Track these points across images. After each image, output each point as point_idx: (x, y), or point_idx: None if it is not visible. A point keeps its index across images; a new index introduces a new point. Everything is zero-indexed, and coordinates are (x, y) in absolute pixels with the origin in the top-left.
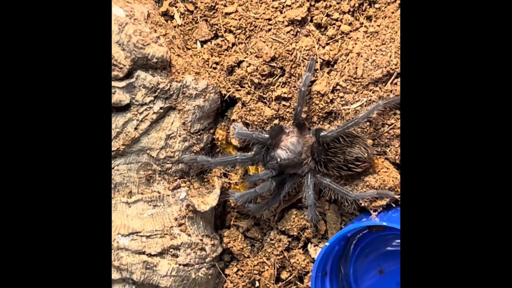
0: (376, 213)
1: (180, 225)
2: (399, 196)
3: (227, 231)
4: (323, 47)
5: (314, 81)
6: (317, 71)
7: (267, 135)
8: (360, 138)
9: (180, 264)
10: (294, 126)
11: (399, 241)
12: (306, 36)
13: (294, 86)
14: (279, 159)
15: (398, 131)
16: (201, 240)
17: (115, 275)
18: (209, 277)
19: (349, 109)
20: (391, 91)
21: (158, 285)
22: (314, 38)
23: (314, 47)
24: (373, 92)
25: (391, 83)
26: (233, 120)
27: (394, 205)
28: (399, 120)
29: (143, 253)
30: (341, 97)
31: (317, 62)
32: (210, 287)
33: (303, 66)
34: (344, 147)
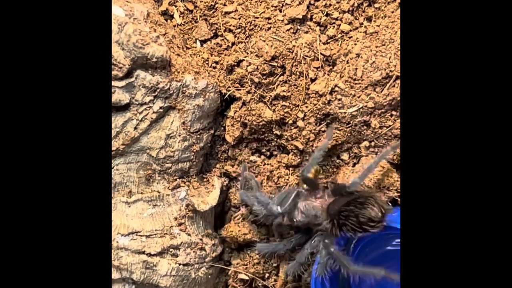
0: None
1: (180, 224)
2: (396, 195)
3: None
4: (324, 44)
5: (315, 79)
6: (318, 69)
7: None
8: (372, 198)
9: (180, 264)
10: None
11: (399, 240)
12: (306, 32)
13: (294, 85)
14: (296, 220)
15: (395, 132)
16: (201, 239)
17: (115, 274)
18: (209, 276)
19: (345, 113)
20: (388, 94)
21: (158, 285)
22: (315, 33)
23: (315, 41)
24: (370, 98)
25: (389, 86)
26: (232, 117)
27: (390, 203)
28: (396, 121)
29: (143, 252)
30: (339, 99)
31: (318, 59)
32: (210, 286)
33: (304, 64)
34: (356, 209)
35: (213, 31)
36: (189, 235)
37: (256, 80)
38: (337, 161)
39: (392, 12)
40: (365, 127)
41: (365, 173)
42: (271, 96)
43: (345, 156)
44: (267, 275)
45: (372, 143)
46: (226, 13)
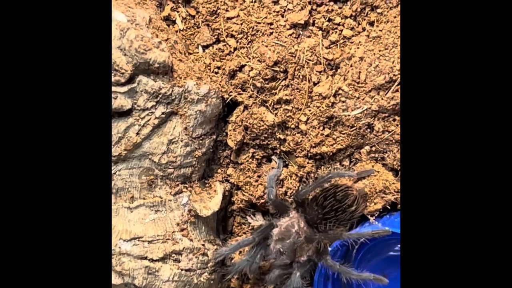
0: (374, 217)
1: (182, 230)
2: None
3: (230, 236)
4: (327, 48)
5: (317, 82)
6: (321, 73)
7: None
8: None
9: (182, 269)
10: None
11: None
12: (309, 37)
13: (297, 88)
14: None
15: (396, 137)
16: (203, 245)
17: (117, 280)
18: (211, 282)
19: (349, 115)
20: (392, 98)
21: None
22: (317, 37)
23: (317, 46)
24: (374, 101)
25: (393, 90)
26: (233, 122)
27: (389, 207)
28: (398, 127)
29: (145, 258)
30: (343, 101)
31: (320, 63)
32: None
33: (307, 68)
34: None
35: (215, 37)
36: (191, 240)
37: (258, 85)
38: (339, 167)
39: (395, 17)
40: (368, 130)
41: (316, 185)
42: (273, 100)
43: (346, 162)
44: None
45: (373, 148)
46: (228, 18)
